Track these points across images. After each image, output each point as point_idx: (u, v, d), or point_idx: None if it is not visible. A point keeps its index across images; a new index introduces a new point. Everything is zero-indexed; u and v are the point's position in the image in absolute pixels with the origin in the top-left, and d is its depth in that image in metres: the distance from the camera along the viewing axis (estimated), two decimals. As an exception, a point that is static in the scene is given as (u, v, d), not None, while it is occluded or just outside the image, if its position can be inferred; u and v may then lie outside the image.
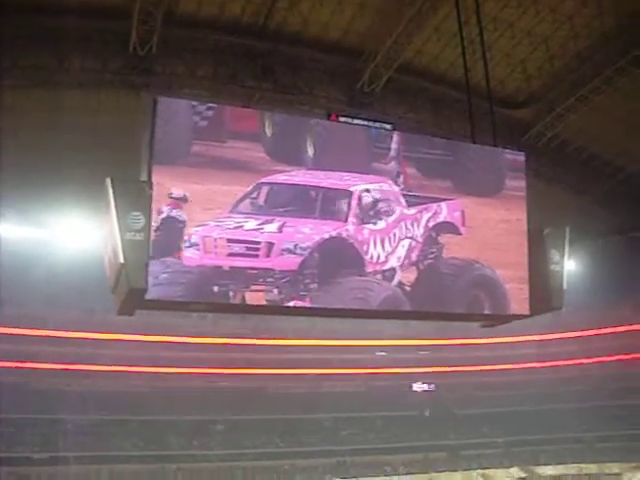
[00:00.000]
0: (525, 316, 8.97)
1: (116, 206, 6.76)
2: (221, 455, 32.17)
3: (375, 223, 8.06)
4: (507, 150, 9.52)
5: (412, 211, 8.33)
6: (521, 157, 9.37)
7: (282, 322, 34.55)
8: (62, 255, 27.20)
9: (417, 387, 38.63)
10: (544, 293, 8.82)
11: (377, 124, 8.52)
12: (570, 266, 9.14)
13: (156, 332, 33.56)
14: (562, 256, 8.90)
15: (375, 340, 37.57)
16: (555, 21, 17.58)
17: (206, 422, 34.10)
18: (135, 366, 34.09)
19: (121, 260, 6.70)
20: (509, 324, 9.52)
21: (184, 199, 7.13)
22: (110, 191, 6.80)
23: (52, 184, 21.73)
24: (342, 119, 8.40)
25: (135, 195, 6.92)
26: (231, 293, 7.38)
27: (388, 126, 8.59)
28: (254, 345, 36.20)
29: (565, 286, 8.85)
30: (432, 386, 38.60)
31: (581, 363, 36.54)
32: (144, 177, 7.21)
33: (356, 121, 8.51)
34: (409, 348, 38.37)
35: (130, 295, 6.91)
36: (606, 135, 22.57)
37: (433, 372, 37.88)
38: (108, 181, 6.85)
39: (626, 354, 35.50)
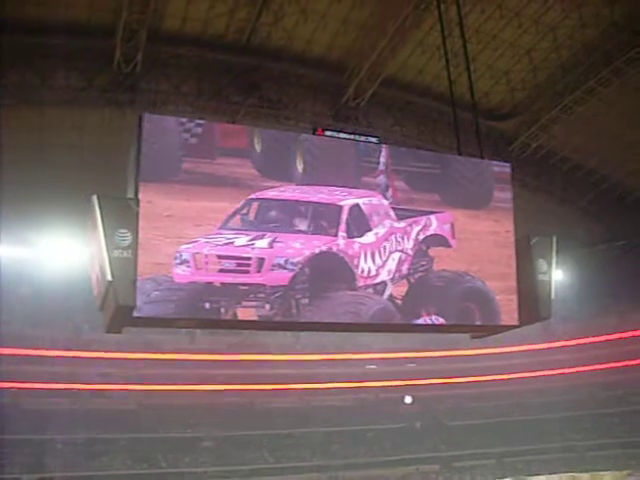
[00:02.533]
0: (515, 326, 8.96)
1: (103, 224, 6.70)
2: (211, 472, 31.79)
3: (365, 237, 8.05)
4: (494, 162, 9.56)
5: (402, 224, 8.32)
6: (507, 168, 9.38)
7: (266, 337, 34.40)
8: (48, 273, 26.98)
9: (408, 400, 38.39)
10: (533, 303, 8.80)
11: (363, 138, 8.52)
12: (557, 275, 9.12)
13: (137, 350, 33.41)
14: (549, 266, 8.87)
15: (365, 353, 37.53)
16: (538, 33, 17.76)
17: (195, 439, 33.76)
18: (123, 384, 33.87)
19: (109, 278, 6.64)
20: (498, 335, 9.53)
21: None
22: (97, 209, 6.74)
23: (37, 202, 21.60)
24: (328, 133, 8.39)
25: (122, 212, 6.86)
26: (222, 309, 7.34)
27: (374, 139, 8.58)
28: (242, 361, 35.97)
29: (553, 296, 8.87)
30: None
31: (571, 372, 36.56)
32: (131, 194, 7.16)
33: (342, 135, 8.51)
34: (399, 361, 38.29)
35: (118, 312, 6.84)
36: (589, 145, 22.77)
37: (424, 384, 37.75)
38: (94, 198, 6.78)
39: (616, 362, 35.58)
